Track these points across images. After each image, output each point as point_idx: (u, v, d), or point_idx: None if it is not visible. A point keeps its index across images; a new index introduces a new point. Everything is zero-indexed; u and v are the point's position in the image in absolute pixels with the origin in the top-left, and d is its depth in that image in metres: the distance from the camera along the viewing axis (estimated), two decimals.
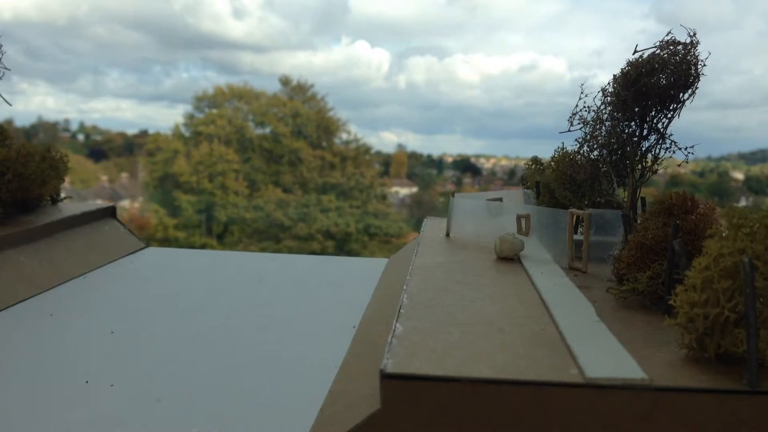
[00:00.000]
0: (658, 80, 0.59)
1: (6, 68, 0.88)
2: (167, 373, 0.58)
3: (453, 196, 0.84)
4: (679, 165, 0.62)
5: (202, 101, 11.25)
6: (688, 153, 0.61)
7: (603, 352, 0.42)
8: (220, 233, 10.01)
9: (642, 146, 0.63)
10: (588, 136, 0.67)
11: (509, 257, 0.69)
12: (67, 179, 1.04)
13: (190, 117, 11.16)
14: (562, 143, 0.76)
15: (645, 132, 0.63)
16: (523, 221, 0.74)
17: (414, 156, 13.81)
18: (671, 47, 0.58)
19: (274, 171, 10.77)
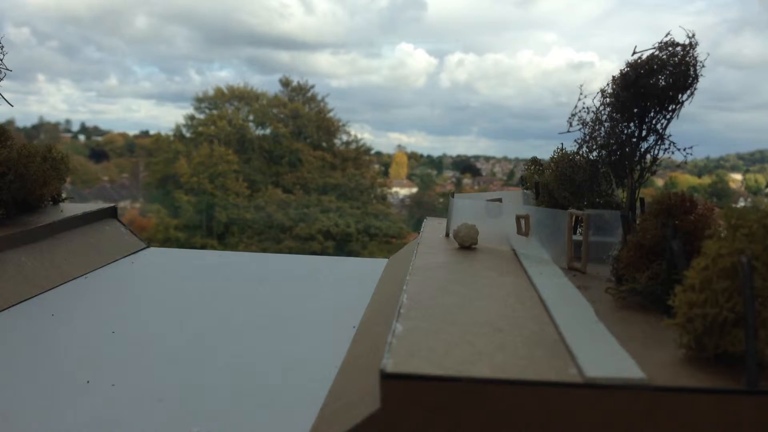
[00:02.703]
0: (657, 81, 0.59)
1: (7, 69, 0.88)
2: (168, 373, 0.58)
3: (453, 196, 0.85)
4: (678, 166, 0.62)
5: (203, 102, 11.26)
6: (687, 154, 0.61)
7: (602, 351, 0.42)
8: (220, 234, 10.01)
9: (641, 147, 0.63)
10: (587, 137, 0.68)
11: (468, 246, 0.76)
12: (68, 180, 1.05)
13: (190, 118, 11.17)
14: (561, 144, 0.76)
15: (644, 133, 0.63)
16: (522, 222, 0.74)
17: (414, 157, 13.81)
18: (670, 48, 0.58)
19: (274, 172, 10.77)
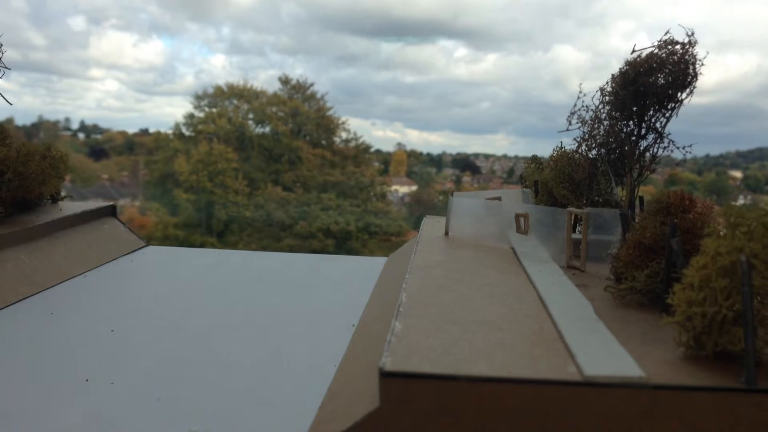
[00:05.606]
0: (656, 79, 0.59)
1: (6, 68, 0.88)
2: (167, 371, 0.58)
3: (452, 195, 0.85)
4: (677, 164, 0.62)
5: (202, 100, 11.25)
6: (686, 152, 0.61)
7: (601, 350, 0.42)
8: (220, 232, 10.01)
9: (640, 145, 0.63)
10: (586, 135, 0.68)
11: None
12: (67, 178, 1.05)
13: (190, 116, 11.17)
14: (561, 142, 0.76)
15: (643, 131, 0.63)
16: (521, 220, 0.74)
17: (414, 154, 13.81)
18: (669, 47, 0.58)
19: (273, 170, 10.77)
